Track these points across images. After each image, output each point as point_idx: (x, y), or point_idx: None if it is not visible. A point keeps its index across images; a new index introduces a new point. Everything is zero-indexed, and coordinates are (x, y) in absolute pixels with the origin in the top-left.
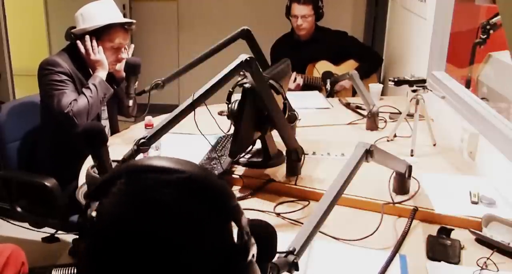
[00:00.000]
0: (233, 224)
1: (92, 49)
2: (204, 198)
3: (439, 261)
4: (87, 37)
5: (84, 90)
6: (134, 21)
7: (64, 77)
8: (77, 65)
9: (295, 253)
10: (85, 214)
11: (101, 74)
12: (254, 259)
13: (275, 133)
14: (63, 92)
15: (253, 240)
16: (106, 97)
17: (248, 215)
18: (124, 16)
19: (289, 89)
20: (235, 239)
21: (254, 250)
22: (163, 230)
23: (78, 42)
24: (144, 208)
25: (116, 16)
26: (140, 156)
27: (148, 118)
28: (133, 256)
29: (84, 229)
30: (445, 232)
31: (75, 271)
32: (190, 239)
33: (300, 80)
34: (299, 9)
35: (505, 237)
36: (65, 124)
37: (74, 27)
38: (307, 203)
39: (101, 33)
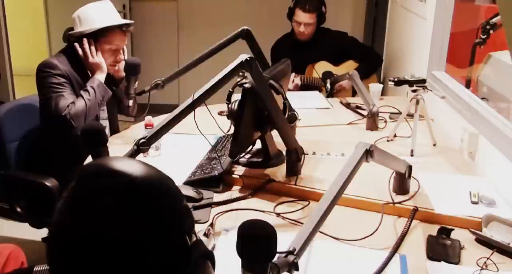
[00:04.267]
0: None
1: (90, 52)
2: (145, 202)
3: (439, 261)
4: (85, 40)
5: (82, 93)
6: (132, 22)
7: (62, 79)
8: (75, 67)
9: (295, 253)
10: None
11: (100, 77)
12: (210, 262)
13: (275, 133)
14: (60, 94)
15: (203, 244)
16: (105, 99)
17: (248, 215)
18: (124, 16)
19: (288, 90)
20: (187, 241)
21: (201, 251)
22: (106, 233)
23: (76, 44)
24: (85, 214)
25: (113, 18)
26: (140, 156)
27: (148, 118)
28: (78, 259)
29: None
30: (445, 232)
31: None
32: (130, 242)
33: (298, 81)
34: (303, 17)
35: (505, 237)
36: (63, 127)
37: (72, 29)
38: (307, 203)
39: (98, 36)
